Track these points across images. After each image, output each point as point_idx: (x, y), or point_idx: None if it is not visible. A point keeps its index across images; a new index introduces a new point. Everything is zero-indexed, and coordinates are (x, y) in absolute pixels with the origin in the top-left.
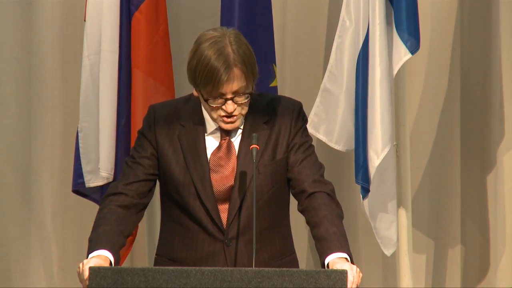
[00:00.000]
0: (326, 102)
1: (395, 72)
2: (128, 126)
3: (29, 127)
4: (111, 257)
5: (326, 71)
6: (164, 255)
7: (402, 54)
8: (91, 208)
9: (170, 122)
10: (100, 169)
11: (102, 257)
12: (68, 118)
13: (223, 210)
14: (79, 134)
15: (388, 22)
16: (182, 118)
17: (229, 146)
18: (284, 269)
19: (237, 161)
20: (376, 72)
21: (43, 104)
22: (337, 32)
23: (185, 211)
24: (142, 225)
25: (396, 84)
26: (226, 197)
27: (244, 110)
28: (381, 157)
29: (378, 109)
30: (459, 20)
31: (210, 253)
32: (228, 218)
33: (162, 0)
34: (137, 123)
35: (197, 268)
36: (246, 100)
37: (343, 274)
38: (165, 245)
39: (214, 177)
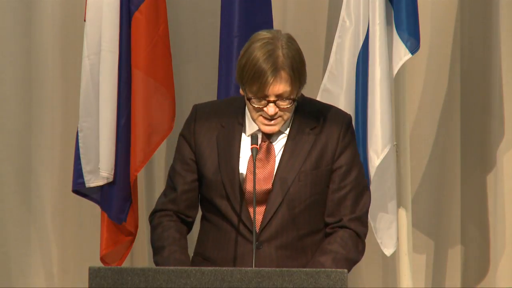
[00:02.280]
0: (326, 102)
1: (395, 72)
2: (128, 126)
3: (29, 127)
4: None
5: (326, 71)
6: (199, 255)
7: (402, 54)
8: (91, 208)
9: (211, 122)
10: (100, 169)
11: None
12: (68, 118)
13: (258, 213)
14: (79, 134)
15: (388, 22)
16: (224, 119)
17: (269, 148)
18: (284, 269)
19: (278, 165)
20: (376, 72)
21: (43, 104)
22: (337, 32)
23: (218, 212)
24: (142, 225)
25: (396, 84)
26: (262, 199)
27: (286, 116)
28: (381, 157)
29: (378, 109)
30: (459, 20)
31: (240, 254)
32: (262, 221)
33: (162, 0)
34: (137, 123)
35: (197, 268)
36: (289, 106)
37: (343, 274)
38: (200, 245)
39: (249, 178)
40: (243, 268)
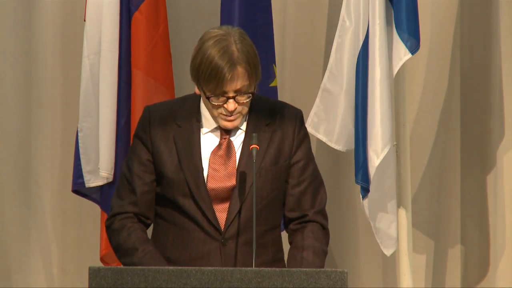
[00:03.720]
0: (326, 102)
1: (395, 72)
2: (128, 126)
3: (29, 127)
4: None
5: (326, 71)
6: None
7: (402, 54)
8: (91, 208)
9: (165, 122)
10: (100, 169)
11: None
12: (68, 118)
13: (222, 210)
14: (79, 134)
15: (388, 22)
16: (179, 118)
17: (229, 145)
18: (284, 269)
19: (238, 161)
20: (376, 72)
21: (43, 104)
22: (337, 32)
23: (180, 211)
24: None
25: (396, 84)
26: (226, 196)
27: (244, 110)
28: (381, 157)
29: (378, 109)
30: (459, 20)
31: (205, 252)
32: (227, 218)
33: (162, 0)
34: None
35: (197, 268)
36: (247, 100)
37: (343, 274)
38: (158, 246)
39: (212, 176)
40: (243, 268)
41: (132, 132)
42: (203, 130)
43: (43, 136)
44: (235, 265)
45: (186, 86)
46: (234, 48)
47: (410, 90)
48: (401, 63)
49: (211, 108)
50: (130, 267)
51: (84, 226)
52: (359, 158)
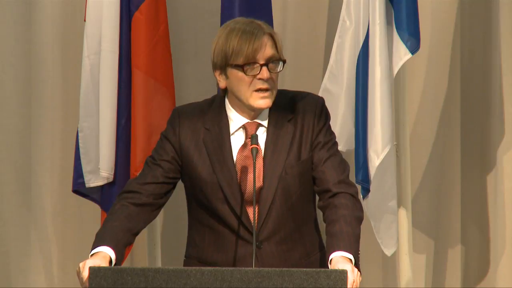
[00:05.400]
0: (326, 102)
1: (395, 72)
2: (128, 126)
3: (29, 127)
4: (112, 254)
5: (326, 71)
6: (193, 258)
7: (402, 54)
8: (91, 208)
9: (195, 125)
10: (100, 169)
11: (101, 254)
12: (68, 118)
13: (253, 213)
14: (79, 134)
15: (388, 22)
16: (207, 121)
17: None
18: (284, 269)
19: (263, 161)
20: (376, 72)
21: (43, 104)
22: (337, 32)
23: (214, 215)
24: None
25: (396, 84)
26: (256, 198)
27: (275, 90)
28: (381, 157)
29: (378, 109)
30: (459, 20)
31: (241, 255)
32: (258, 220)
33: (162, 0)
34: (137, 123)
35: (197, 268)
36: (279, 69)
37: (343, 274)
38: (194, 248)
39: (242, 178)
40: (243, 268)
41: (132, 132)
42: (231, 129)
43: (43, 136)
44: (271, 266)
45: (186, 86)
46: (260, 22)
47: (410, 90)
48: (401, 63)
49: (244, 85)
50: (130, 267)
51: (84, 226)
52: (359, 158)
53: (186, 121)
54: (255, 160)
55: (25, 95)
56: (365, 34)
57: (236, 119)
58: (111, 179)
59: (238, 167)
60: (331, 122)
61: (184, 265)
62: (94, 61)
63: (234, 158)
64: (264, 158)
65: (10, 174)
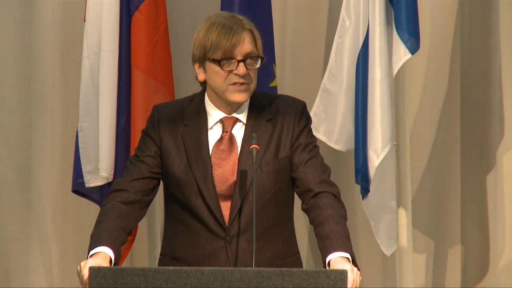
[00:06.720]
0: (326, 102)
1: (395, 72)
2: (128, 126)
3: (29, 127)
4: (111, 254)
5: (326, 71)
6: (167, 255)
7: (402, 54)
8: (91, 208)
9: (174, 121)
10: (100, 169)
11: (102, 254)
12: (68, 118)
13: (226, 207)
14: (79, 134)
15: (388, 22)
16: (186, 117)
17: (231, 139)
18: (284, 269)
19: (239, 156)
20: (376, 72)
21: (43, 104)
22: (337, 32)
23: (187, 210)
24: (143, 225)
25: (396, 84)
26: (229, 193)
27: (252, 85)
28: (381, 157)
29: (378, 109)
30: (459, 20)
31: (212, 250)
32: (230, 215)
33: (162, 0)
34: (137, 123)
35: (197, 268)
36: (257, 66)
37: (343, 274)
38: (168, 245)
39: (216, 171)
40: (243, 268)
41: (132, 132)
42: (209, 124)
43: (43, 136)
44: (242, 262)
45: (186, 86)
46: (240, 16)
47: (410, 90)
48: (401, 63)
49: (220, 80)
50: (130, 267)
51: (84, 226)
52: (359, 158)
53: (165, 117)
54: (255, 160)
55: (25, 95)
56: (365, 34)
57: (214, 114)
58: (110, 179)
59: (214, 161)
60: (331, 122)
61: (159, 264)
62: (94, 61)
63: (210, 152)
64: (240, 153)
65: (10, 174)
